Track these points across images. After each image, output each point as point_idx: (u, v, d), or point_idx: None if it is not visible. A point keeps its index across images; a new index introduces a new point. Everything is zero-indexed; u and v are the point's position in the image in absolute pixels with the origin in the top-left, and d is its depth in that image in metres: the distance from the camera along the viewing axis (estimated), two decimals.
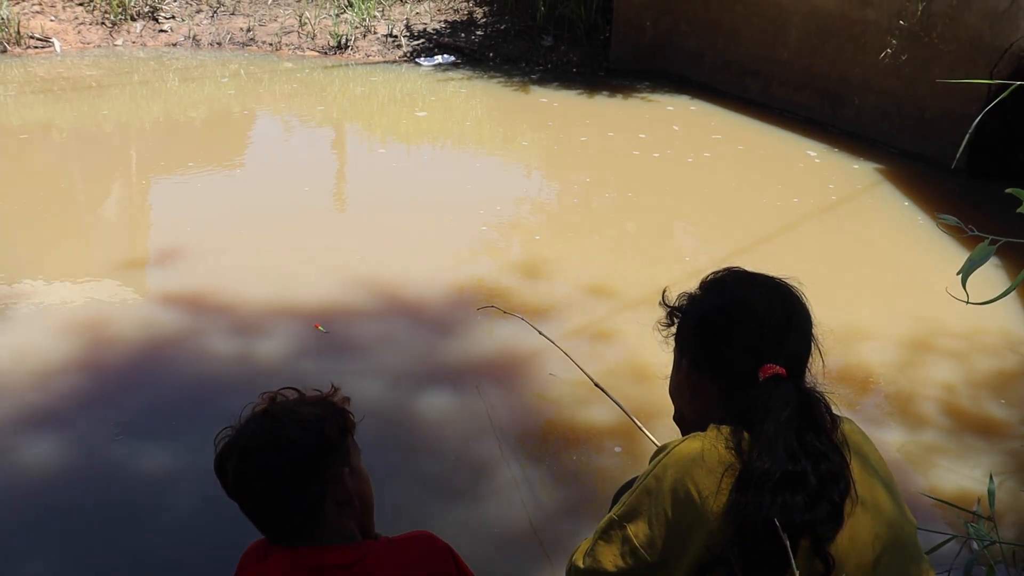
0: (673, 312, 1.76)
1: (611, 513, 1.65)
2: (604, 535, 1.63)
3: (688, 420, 1.74)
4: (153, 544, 3.19)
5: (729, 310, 1.63)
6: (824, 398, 1.58)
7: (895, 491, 1.61)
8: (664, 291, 1.79)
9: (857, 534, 1.50)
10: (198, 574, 3.08)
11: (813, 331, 1.66)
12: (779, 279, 1.69)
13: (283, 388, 1.76)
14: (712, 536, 1.48)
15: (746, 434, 1.53)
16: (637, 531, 1.57)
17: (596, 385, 2.56)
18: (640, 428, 2.53)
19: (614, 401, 2.55)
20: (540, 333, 2.97)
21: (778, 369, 1.56)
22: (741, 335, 1.61)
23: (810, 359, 1.65)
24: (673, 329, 1.76)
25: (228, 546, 2.04)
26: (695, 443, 1.57)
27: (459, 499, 3.43)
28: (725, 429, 1.56)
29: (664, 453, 1.60)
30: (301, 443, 1.65)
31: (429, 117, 8.86)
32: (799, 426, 1.50)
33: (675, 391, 1.76)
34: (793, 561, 1.42)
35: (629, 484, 2.00)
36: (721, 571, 1.48)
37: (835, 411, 1.59)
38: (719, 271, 1.74)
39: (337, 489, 1.68)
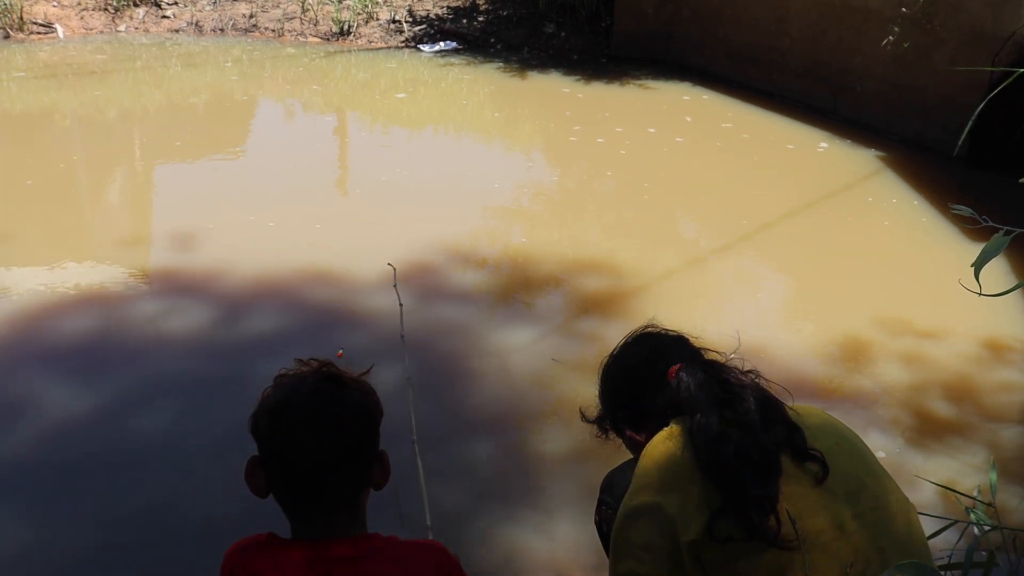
0: (597, 420, 2.02)
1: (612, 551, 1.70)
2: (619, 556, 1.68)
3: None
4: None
5: (620, 375, 1.95)
6: (729, 363, 1.79)
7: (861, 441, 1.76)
8: (581, 412, 2.05)
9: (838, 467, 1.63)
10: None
11: (690, 343, 1.91)
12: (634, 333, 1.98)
13: (310, 359, 1.62)
14: (701, 495, 1.57)
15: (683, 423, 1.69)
16: (644, 528, 1.62)
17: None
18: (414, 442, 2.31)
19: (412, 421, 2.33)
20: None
21: (679, 364, 1.76)
22: (629, 382, 1.91)
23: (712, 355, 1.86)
24: (609, 432, 2.01)
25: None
26: (645, 449, 1.72)
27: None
28: (662, 430, 1.72)
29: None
30: (373, 411, 1.60)
31: (429, 103, 8.87)
32: (717, 378, 1.70)
33: (634, 452, 1.92)
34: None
35: (613, 475, 2.18)
36: (726, 522, 1.54)
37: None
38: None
39: (381, 470, 1.62)
